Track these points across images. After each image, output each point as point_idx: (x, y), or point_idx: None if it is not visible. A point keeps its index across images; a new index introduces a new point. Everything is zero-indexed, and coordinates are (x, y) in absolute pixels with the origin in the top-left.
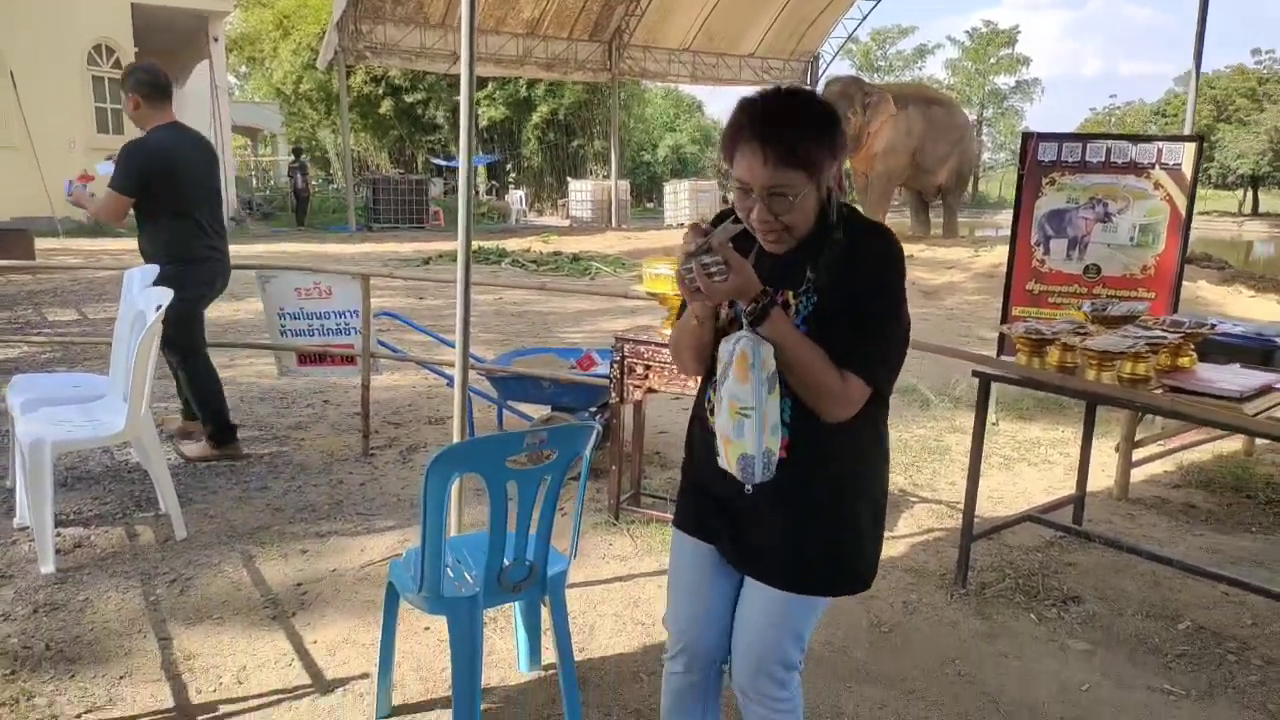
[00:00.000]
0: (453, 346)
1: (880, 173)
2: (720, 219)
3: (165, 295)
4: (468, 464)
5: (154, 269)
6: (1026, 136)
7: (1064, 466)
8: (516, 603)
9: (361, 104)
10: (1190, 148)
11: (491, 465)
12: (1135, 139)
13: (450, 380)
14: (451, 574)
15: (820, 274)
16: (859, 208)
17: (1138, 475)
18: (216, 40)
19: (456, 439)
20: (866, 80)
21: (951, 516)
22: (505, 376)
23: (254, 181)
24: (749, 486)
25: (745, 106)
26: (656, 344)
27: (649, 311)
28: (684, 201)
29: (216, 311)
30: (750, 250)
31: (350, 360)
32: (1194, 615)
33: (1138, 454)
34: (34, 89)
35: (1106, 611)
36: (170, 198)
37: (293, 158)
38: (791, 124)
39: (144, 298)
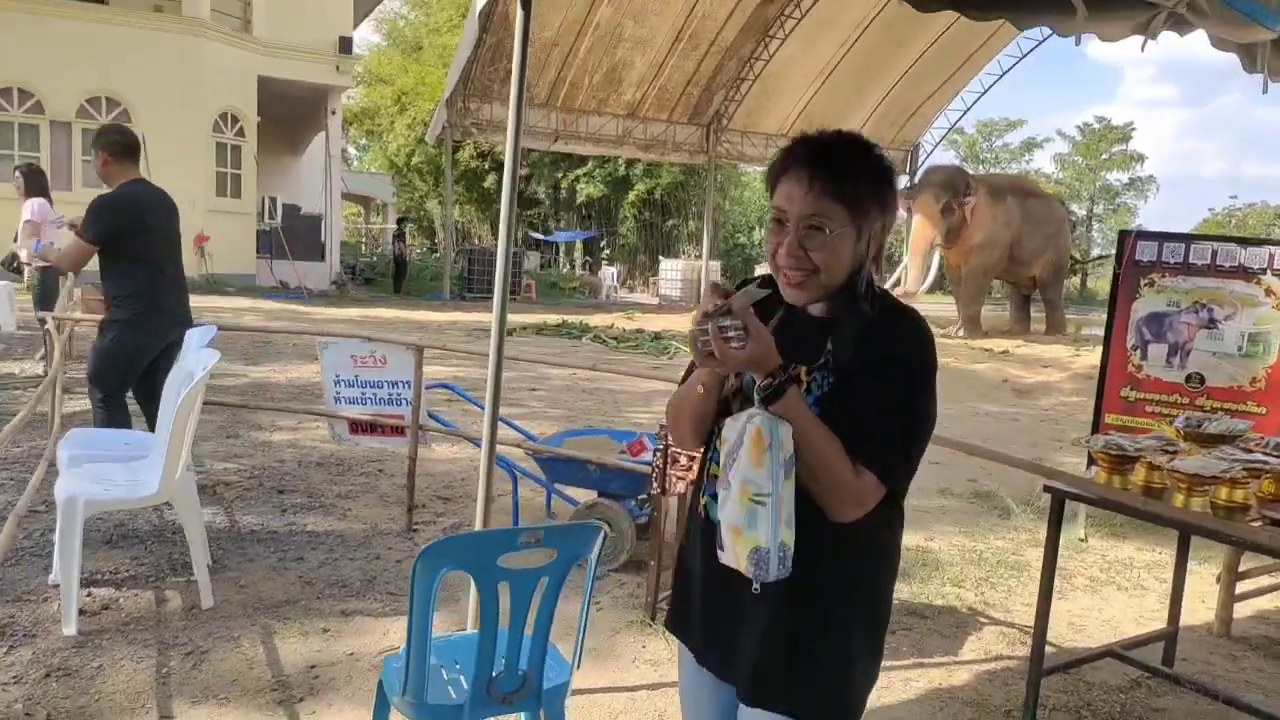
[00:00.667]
0: (510, 426)
1: (975, 265)
2: (744, 285)
3: (213, 357)
4: (456, 561)
5: (213, 329)
6: (1124, 234)
7: (1159, 594)
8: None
9: (468, 177)
10: None
11: (481, 564)
12: (1245, 241)
13: (500, 460)
14: (445, 676)
15: (840, 348)
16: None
17: (1242, 610)
18: (334, 113)
19: (479, 522)
20: (969, 171)
21: (1024, 643)
22: (552, 458)
23: (363, 247)
24: (756, 585)
25: (800, 139)
26: None
27: None
28: None
29: (296, 373)
30: (771, 319)
31: (400, 431)
32: None
33: (1243, 586)
34: (163, 152)
35: None
36: (138, 247)
37: (396, 226)
38: (844, 157)
39: (196, 358)
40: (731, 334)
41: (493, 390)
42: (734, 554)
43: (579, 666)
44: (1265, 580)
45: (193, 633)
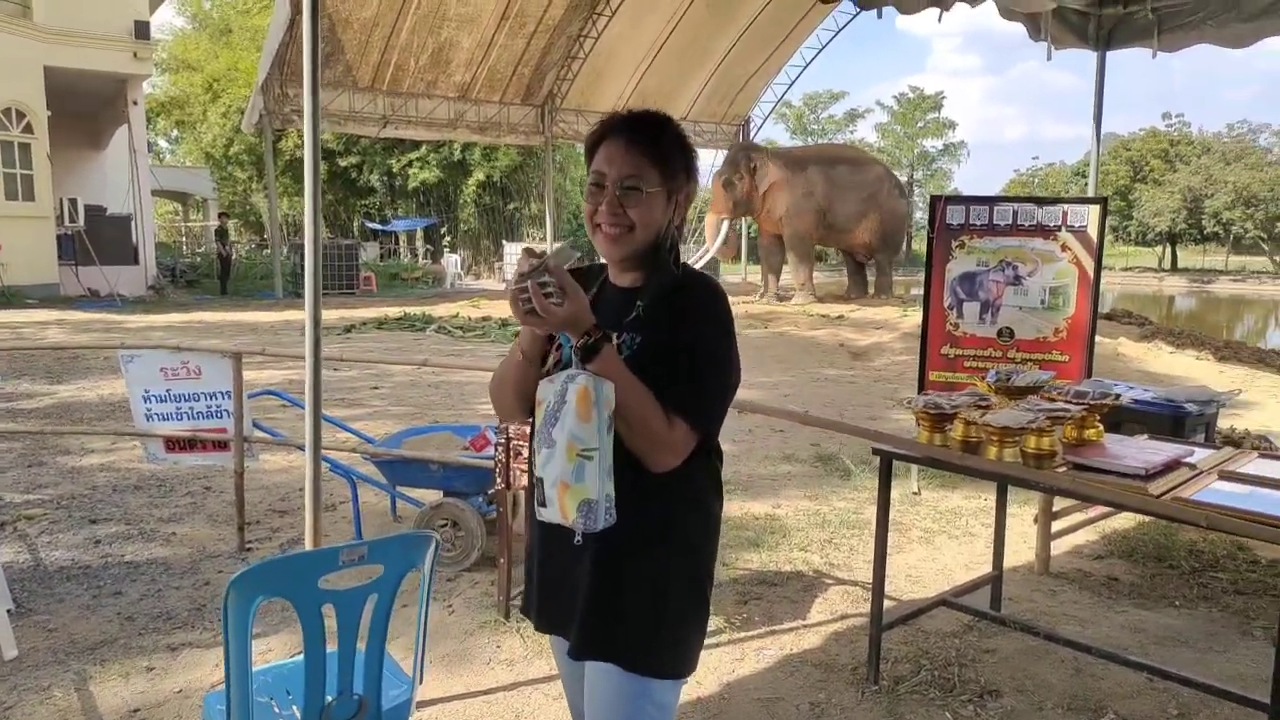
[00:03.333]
0: (343, 428)
1: (790, 235)
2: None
3: None
4: (271, 588)
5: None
6: (935, 199)
7: (986, 539)
8: None
9: (294, 168)
10: (1095, 210)
11: (301, 589)
12: (1040, 201)
13: (335, 466)
14: (276, 710)
15: (650, 308)
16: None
17: (1059, 546)
18: (136, 104)
19: (308, 538)
20: (763, 146)
21: (868, 600)
22: (391, 460)
23: (183, 247)
24: (579, 537)
25: (614, 114)
26: None
27: None
28: None
29: (109, 389)
30: (586, 289)
31: (223, 445)
32: (1117, 706)
33: (1058, 524)
34: None
35: (1026, 706)
36: None
37: (218, 222)
38: (656, 126)
39: None
40: (550, 290)
41: (312, 394)
42: (560, 508)
43: (421, 681)
44: (1078, 517)
45: None
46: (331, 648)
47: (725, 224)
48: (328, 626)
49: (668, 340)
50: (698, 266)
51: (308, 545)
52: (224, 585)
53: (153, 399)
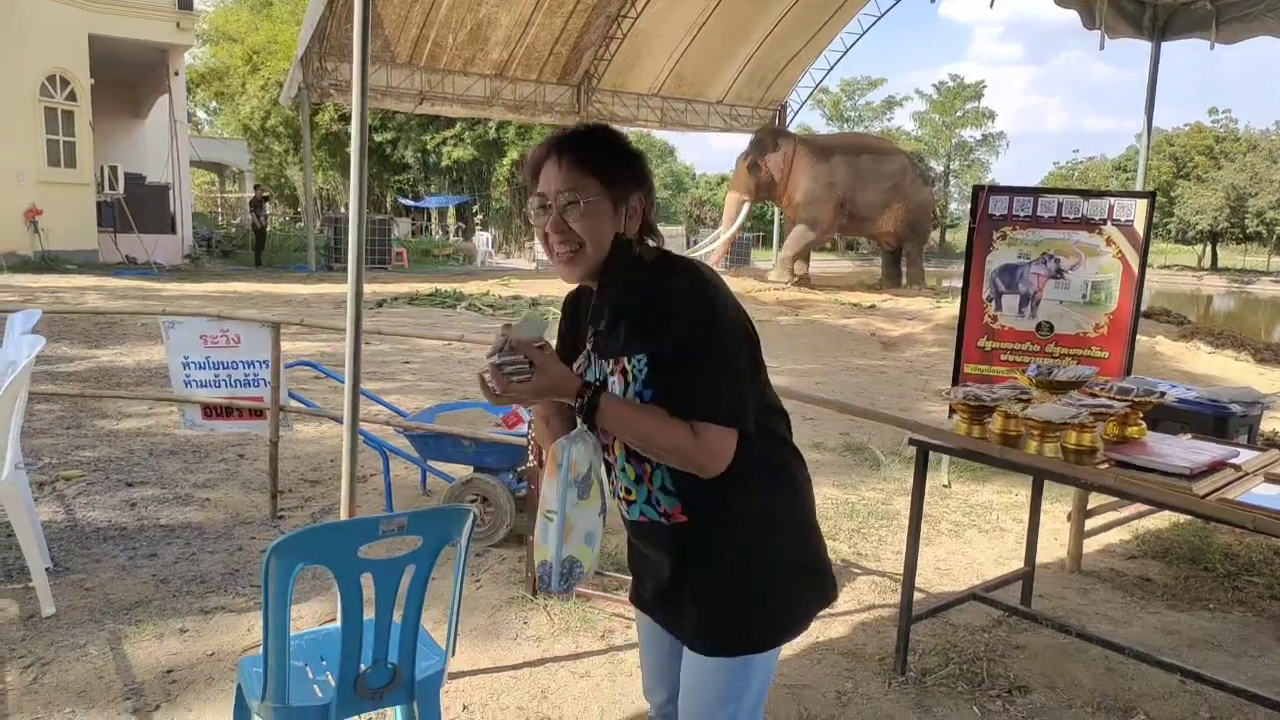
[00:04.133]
0: (376, 401)
1: (803, 219)
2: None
3: (39, 343)
4: (312, 555)
5: (37, 313)
6: (978, 189)
7: (1017, 534)
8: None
9: (330, 142)
10: (1142, 204)
11: (341, 557)
12: (1087, 194)
13: (369, 439)
14: (311, 675)
15: (631, 317)
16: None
17: (1092, 545)
18: (177, 74)
19: (343, 509)
20: (790, 132)
21: (895, 590)
22: (424, 434)
23: (219, 218)
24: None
25: (550, 135)
26: None
27: None
28: None
29: (145, 355)
30: (584, 311)
31: (259, 414)
32: (1148, 707)
33: (1092, 522)
34: None
35: (1055, 703)
36: None
37: (253, 194)
38: (588, 139)
39: (19, 344)
40: (511, 369)
41: (352, 366)
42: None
43: (454, 653)
44: (1111, 516)
45: (33, 643)
46: (366, 616)
47: (745, 205)
48: (364, 596)
49: (664, 348)
50: (714, 248)
51: (343, 515)
52: (257, 551)
53: (192, 365)
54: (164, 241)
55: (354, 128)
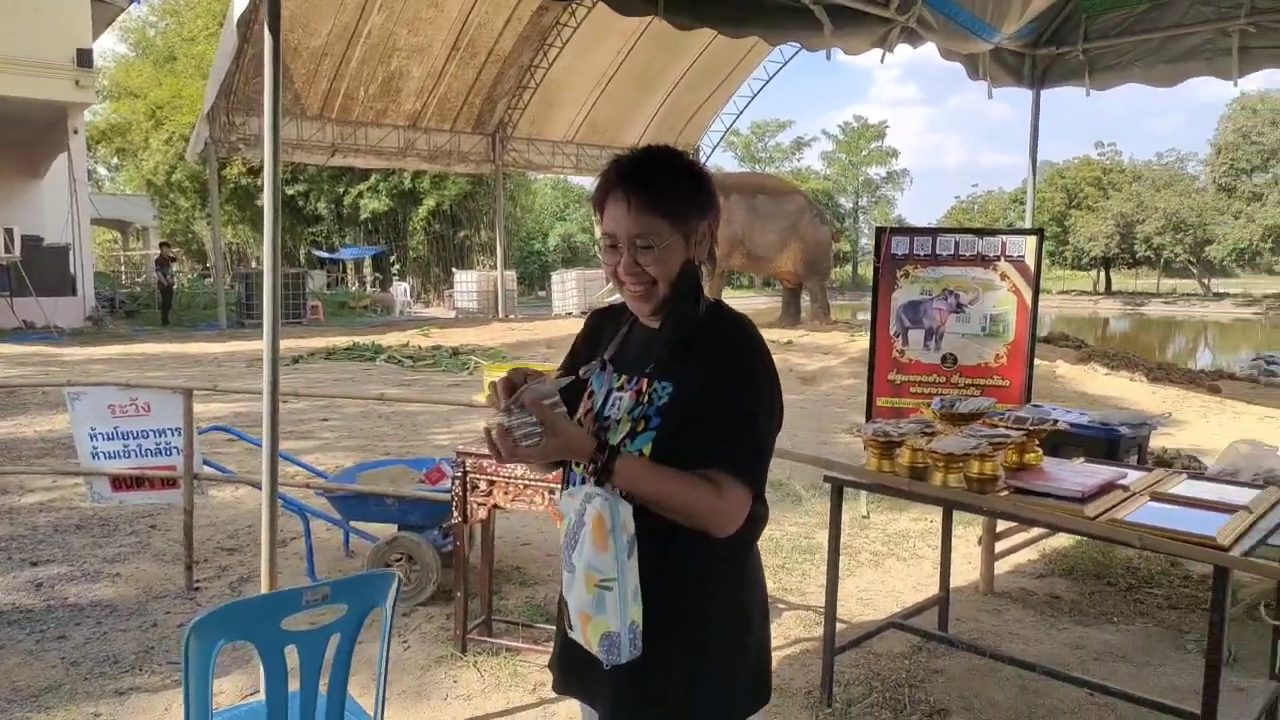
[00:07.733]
0: (295, 463)
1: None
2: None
3: None
4: (235, 631)
5: None
6: (880, 230)
7: (933, 560)
8: None
9: (238, 196)
10: (1031, 240)
11: (264, 631)
12: (981, 232)
13: (288, 503)
14: None
15: (676, 352)
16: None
17: (1003, 566)
18: (76, 132)
19: (264, 579)
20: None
21: (820, 624)
22: (345, 495)
23: (123, 276)
24: (605, 665)
25: (615, 162)
26: None
27: None
28: (571, 291)
29: (49, 425)
30: (612, 336)
31: (172, 484)
32: None
33: (1001, 545)
34: None
35: None
36: None
37: (159, 251)
38: (657, 172)
39: None
40: (522, 432)
41: (270, 429)
42: (584, 636)
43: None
44: (1020, 537)
45: None
46: (291, 689)
47: None
48: (288, 667)
49: (699, 388)
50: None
51: (263, 586)
52: (173, 626)
53: (100, 437)
54: (64, 304)
55: (266, 181)
